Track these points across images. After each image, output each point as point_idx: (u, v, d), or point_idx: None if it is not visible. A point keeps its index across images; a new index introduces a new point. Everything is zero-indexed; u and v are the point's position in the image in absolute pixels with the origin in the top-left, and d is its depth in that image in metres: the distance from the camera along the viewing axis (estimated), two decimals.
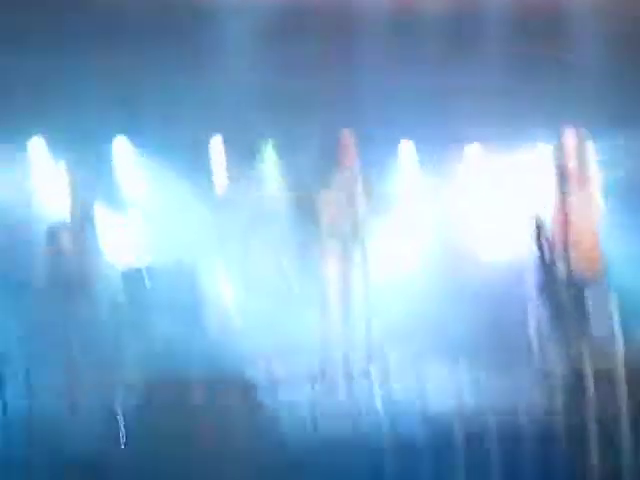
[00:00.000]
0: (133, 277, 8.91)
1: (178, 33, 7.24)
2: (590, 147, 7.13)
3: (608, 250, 6.89)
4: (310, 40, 7.46)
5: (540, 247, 6.82)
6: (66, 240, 8.38)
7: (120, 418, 4.65)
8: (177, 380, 4.82)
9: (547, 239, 6.77)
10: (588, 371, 4.73)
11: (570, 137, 6.83)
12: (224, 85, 8.53)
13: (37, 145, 9.44)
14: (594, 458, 4.61)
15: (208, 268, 9.29)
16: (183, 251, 9.19)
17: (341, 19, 7.30)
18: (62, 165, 8.69)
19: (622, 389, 4.68)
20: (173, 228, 9.52)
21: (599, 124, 8.71)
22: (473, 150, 10.67)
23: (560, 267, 6.53)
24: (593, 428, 4.65)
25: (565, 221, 6.50)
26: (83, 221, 8.59)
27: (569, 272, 6.48)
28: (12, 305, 8.15)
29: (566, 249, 6.47)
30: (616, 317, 8.63)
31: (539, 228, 6.76)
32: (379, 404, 6.48)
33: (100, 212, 8.84)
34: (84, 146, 9.21)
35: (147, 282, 8.81)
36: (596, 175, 6.80)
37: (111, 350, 8.69)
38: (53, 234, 8.39)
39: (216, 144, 9.99)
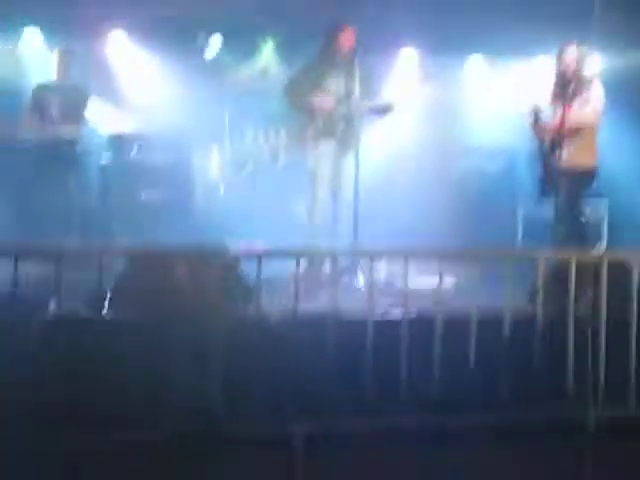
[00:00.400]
0: (120, 143, 8.92)
1: None
2: (590, 58, 7.10)
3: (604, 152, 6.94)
4: None
5: (537, 134, 6.83)
6: (54, 107, 8.35)
7: (103, 287, 4.66)
8: (160, 251, 4.80)
9: (545, 127, 6.76)
10: (572, 265, 4.70)
11: (571, 47, 6.79)
12: None
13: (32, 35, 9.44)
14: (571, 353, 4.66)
15: (199, 144, 9.38)
16: (174, 126, 9.24)
17: None
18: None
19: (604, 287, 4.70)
20: (165, 106, 9.55)
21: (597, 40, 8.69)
22: (475, 59, 10.64)
23: (556, 156, 6.54)
24: (572, 323, 4.68)
25: (563, 114, 6.49)
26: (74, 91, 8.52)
27: (564, 161, 6.48)
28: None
29: (562, 139, 6.47)
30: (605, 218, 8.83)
31: (537, 116, 6.74)
32: (362, 281, 6.57)
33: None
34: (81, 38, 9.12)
35: (134, 150, 8.79)
36: (596, 82, 6.77)
37: (95, 217, 8.86)
38: (41, 100, 8.36)
39: (215, 42, 9.93)
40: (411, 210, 9.33)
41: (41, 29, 9.41)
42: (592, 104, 6.73)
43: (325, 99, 7.13)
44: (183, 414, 4.17)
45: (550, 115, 6.90)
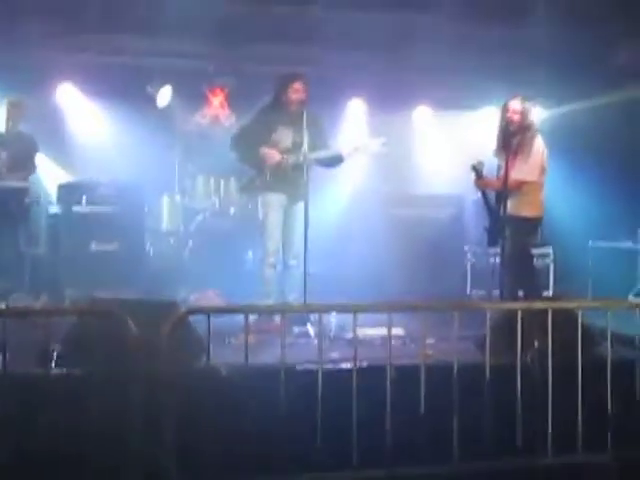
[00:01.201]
0: (69, 193, 8.87)
1: None
2: (533, 111, 7.26)
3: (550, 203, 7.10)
4: None
5: (481, 188, 6.93)
6: (2, 158, 8.31)
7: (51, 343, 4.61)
8: (108, 307, 4.78)
9: (487, 181, 6.87)
10: (518, 315, 4.78)
11: (515, 100, 6.94)
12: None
13: None
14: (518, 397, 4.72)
15: (149, 193, 9.37)
16: (125, 176, 9.24)
17: None
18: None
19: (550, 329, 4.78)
20: (116, 155, 9.56)
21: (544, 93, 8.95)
22: (422, 111, 10.87)
23: (501, 207, 6.63)
24: (519, 369, 4.74)
25: (506, 167, 6.59)
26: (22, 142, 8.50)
27: (509, 212, 6.57)
28: None
29: (506, 192, 6.56)
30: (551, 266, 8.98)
31: (479, 172, 6.85)
32: (312, 332, 6.59)
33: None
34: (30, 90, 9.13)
35: (83, 199, 8.75)
36: (538, 137, 6.91)
37: (44, 267, 8.78)
38: None
39: (166, 93, 10.01)
40: (361, 258, 9.41)
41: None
42: (535, 159, 6.86)
43: (273, 151, 7.19)
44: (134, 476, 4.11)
45: (494, 167, 7.02)
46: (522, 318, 4.79)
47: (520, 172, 6.78)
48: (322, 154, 7.20)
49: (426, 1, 7.55)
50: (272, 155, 7.17)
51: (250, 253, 8.95)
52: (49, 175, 9.66)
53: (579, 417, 4.80)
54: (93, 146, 9.85)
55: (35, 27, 8.63)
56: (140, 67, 9.72)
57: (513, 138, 6.87)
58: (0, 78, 9.17)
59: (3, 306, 6.96)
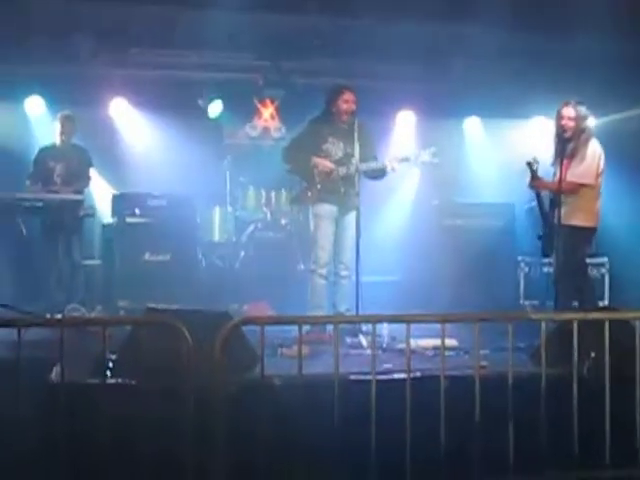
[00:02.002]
0: (122, 204, 9.00)
1: None
2: (587, 117, 7.17)
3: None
4: None
5: (535, 189, 6.86)
6: (57, 171, 8.48)
7: (107, 353, 4.66)
8: (163, 319, 4.82)
9: (543, 182, 6.79)
10: (575, 326, 4.71)
11: (568, 107, 6.86)
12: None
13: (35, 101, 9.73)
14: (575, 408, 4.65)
15: (201, 205, 9.46)
16: (177, 187, 9.34)
17: None
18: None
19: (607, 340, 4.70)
20: (168, 167, 9.67)
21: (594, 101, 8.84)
22: (472, 121, 10.83)
23: (555, 214, 6.55)
24: (575, 380, 4.67)
25: (561, 172, 6.53)
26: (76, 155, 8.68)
27: (563, 220, 6.49)
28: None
29: (561, 198, 6.49)
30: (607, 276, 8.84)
31: (534, 170, 6.77)
32: (365, 343, 6.57)
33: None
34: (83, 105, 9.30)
35: (136, 211, 8.86)
36: (593, 142, 6.83)
37: (98, 278, 8.91)
38: (44, 164, 8.52)
39: (216, 105, 10.12)
40: (413, 268, 9.38)
41: (44, 97, 9.60)
42: (589, 162, 6.78)
43: (324, 162, 7.21)
44: None
45: (550, 173, 6.94)
46: (578, 329, 4.71)
47: (575, 174, 6.70)
48: (372, 165, 7.20)
49: (475, 11, 7.49)
50: (325, 165, 7.19)
51: (301, 264, 8.97)
52: (103, 187, 9.79)
53: (637, 429, 4.71)
54: (146, 158, 9.98)
55: (87, 43, 8.79)
56: (191, 80, 9.85)
57: (568, 144, 6.80)
58: (54, 93, 9.40)
59: (59, 316, 7.07)
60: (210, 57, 9.43)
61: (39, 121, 9.63)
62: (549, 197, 6.87)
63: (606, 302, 8.64)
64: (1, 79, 8.90)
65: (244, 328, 4.77)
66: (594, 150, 6.82)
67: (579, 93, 7.41)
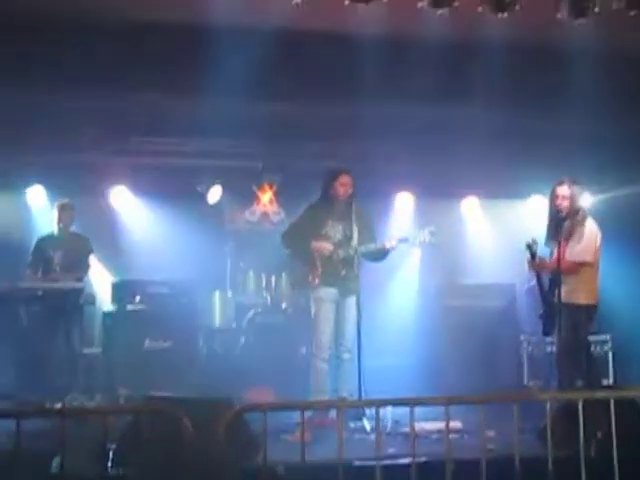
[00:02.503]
0: (122, 291, 9.00)
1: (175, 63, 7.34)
2: (582, 195, 7.23)
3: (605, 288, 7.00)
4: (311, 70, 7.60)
5: (534, 270, 6.88)
6: (57, 259, 8.50)
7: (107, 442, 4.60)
8: (164, 406, 4.78)
9: (542, 263, 6.81)
10: (580, 405, 4.66)
11: (563, 186, 6.92)
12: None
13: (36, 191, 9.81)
14: None
15: (202, 290, 9.44)
16: (177, 273, 9.34)
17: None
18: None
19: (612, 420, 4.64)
20: (168, 253, 9.68)
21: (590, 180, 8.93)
22: (470, 201, 10.91)
23: (555, 293, 6.55)
24: (582, 461, 4.60)
25: (559, 252, 6.55)
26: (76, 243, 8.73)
27: (564, 298, 6.49)
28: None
29: (560, 277, 6.50)
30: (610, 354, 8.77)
31: (533, 251, 6.79)
32: (368, 426, 6.48)
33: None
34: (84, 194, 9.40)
35: (136, 297, 8.85)
36: (589, 220, 6.87)
37: (98, 365, 8.83)
38: (44, 252, 8.55)
39: (216, 191, 10.21)
40: (415, 350, 9.33)
41: (45, 187, 9.70)
42: (587, 241, 6.81)
43: (323, 243, 7.24)
44: None
45: (547, 252, 6.96)
46: (583, 408, 4.66)
47: (574, 254, 6.72)
48: (372, 247, 7.22)
49: (471, 92, 7.64)
50: (324, 247, 7.22)
51: (303, 348, 8.92)
52: (103, 274, 9.81)
53: None
54: (146, 245, 10.02)
55: (88, 132, 8.92)
56: (190, 167, 9.96)
57: (564, 223, 6.83)
58: (55, 182, 9.51)
59: (59, 406, 7.01)
60: (209, 144, 9.55)
61: (40, 211, 9.71)
62: (549, 276, 6.87)
63: (611, 380, 8.55)
64: (3, 169, 9.00)
65: (246, 414, 4.72)
66: (591, 229, 6.87)
67: (576, 172, 7.50)
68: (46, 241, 8.67)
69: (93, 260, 8.97)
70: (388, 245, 7.19)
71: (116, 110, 8.63)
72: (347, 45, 7.21)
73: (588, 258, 6.79)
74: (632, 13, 6.12)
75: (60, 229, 8.68)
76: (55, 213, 8.71)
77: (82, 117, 8.70)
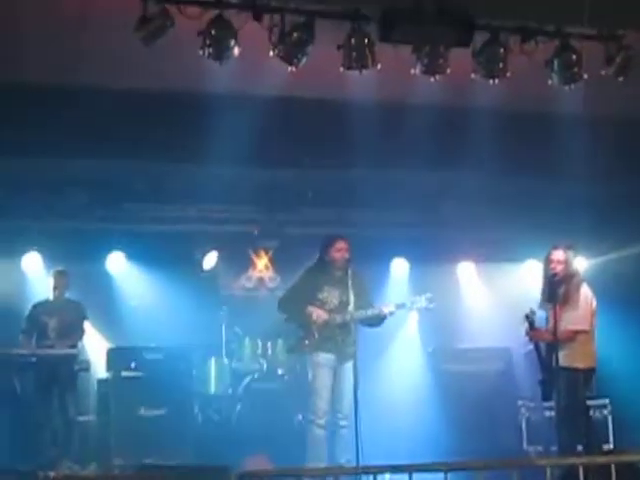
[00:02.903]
0: (117, 357, 8.92)
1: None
2: (576, 257, 7.25)
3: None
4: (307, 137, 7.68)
5: (533, 339, 6.86)
6: (51, 326, 8.47)
7: None
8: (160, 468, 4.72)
9: (540, 332, 6.80)
10: (580, 470, 4.61)
11: (558, 251, 6.95)
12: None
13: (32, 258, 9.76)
14: None
15: (197, 357, 9.37)
16: (173, 340, 9.27)
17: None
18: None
19: None
20: (164, 319, 9.63)
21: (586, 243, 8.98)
22: (465, 266, 10.92)
23: (553, 359, 6.51)
24: None
25: (555, 318, 6.53)
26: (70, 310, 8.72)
27: (562, 364, 6.46)
28: None
29: (557, 343, 6.48)
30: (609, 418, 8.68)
31: (531, 321, 6.79)
32: None
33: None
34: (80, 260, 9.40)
35: (132, 364, 8.78)
36: (584, 287, 6.88)
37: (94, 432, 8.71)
38: (38, 319, 8.53)
39: (211, 257, 10.21)
40: (413, 416, 9.22)
41: (41, 254, 9.70)
42: (583, 308, 6.81)
43: (320, 311, 7.23)
44: None
45: (543, 318, 6.95)
46: (584, 474, 4.60)
47: (570, 322, 6.72)
48: (369, 312, 7.21)
49: (464, 157, 7.72)
50: (320, 314, 7.21)
51: (299, 415, 8.82)
52: (99, 341, 9.75)
53: None
54: (141, 311, 9.97)
55: (82, 198, 8.97)
56: (186, 233, 9.97)
57: (559, 288, 6.83)
58: (51, 249, 9.51)
59: (52, 475, 6.90)
60: (205, 210, 9.60)
61: (36, 278, 9.68)
62: (545, 343, 6.87)
63: (611, 445, 8.45)
64: None
65: None
66: (586, 295, 6.88)
67: (570, 235, 7.55)
68: (40, 308, 8.67)
69: (88, 326, 8.94)
70: (386, 310, 7.19)
71: (112, 177, 8.70)
72: (342, 111, 7.32)
73: (585, 326, 6.80)
74: (620, 79, 6.22)
75: (55, 296, 8.69)
76: (51, 280, 8.72)
77: (78, 185, 8.77)
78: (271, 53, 5.82)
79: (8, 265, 9.71)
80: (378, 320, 7.30)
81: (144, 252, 9.91)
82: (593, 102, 6.91)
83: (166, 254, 9.82)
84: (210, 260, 10.21)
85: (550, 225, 9.08)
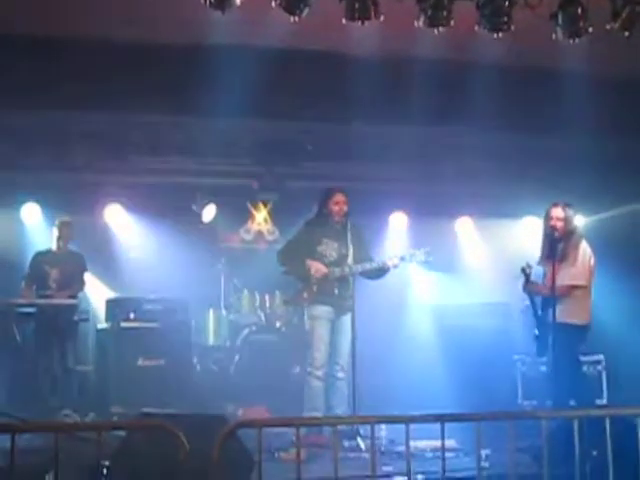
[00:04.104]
0: (116, 308, 8.98)
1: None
2: (576, 217, 7.25)
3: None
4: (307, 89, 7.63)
5: (529, 293, 6.89)
6: (52, 276, 8.51)
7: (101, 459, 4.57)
8: (158, 423, 4.75)
9: (536, 286, 6.83)
10: (575, 424, 4.65)
11: (557, 208, 6.94)
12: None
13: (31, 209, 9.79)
14: None
15: (195, 308, 9.43)
16: (171, 291, 9.32)
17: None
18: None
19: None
20: (162, 271, 9.66)
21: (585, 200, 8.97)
22: (464, 221, 10.93)
23: (549, 314, 6.55)
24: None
25: (553, 274, 6.56)
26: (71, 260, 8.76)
27: (557, 319, 6.49)
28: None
29: (554, 298, 6.51)
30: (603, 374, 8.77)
31: (527, 275, 6.82)
32: (363, 445, 6.45)
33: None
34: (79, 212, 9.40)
35: (130, 315, 8.83)
36: (583, 243, 6.89)
37: (92, 382, 8.80)
38: (39, 270, 8.58)
39: (210, 210, 10.21)
40: (409, 369, 9.30)
41: (40, 205, 9.70)
42: (582, 264, 6.83)
43: (319, 264, 7.24)
44: None
45: (540, 274, 6.98)
46: (578, 427, 4.65)
47: (567, 277, 6.74)
48: (367, 266, 7.23)
49: (465, 112, 7.67)
50: (318, 268, 7.22)
51: (297, 366, 8.90)
52: (97, 292, 9.79)
53: None
54: (140, 263, 10.00)
55: (83, 150, 8.93)
56: (185, 186, 9.97)
57: (558, 245, 6.84)
58: (50, 200, 9.50)
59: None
60: (204, 163, 9.56)
61: (35, 228, 9.70)
62: (541, 297, 6.90)
63: (604, 401, 8.53)
64: None
65: (240, 432, 4.69)
66: (585, 252, 6.89)
67: (568, 192, 7.54)
68: (43, 257, 8.68)
69: (88, 276, 8.96)
70: (390, 263, 7.19)
71: (112, 130, 8.66)
72: (343, 65, 7.26)
73: (582, 281, 6.82)
74: (626, 34, 6.15)
75: (59, 246, 8.69)
76: (55, 230, 8.72)
77: (77, 137, 8.73)
78: (273, 3, 5.76)
79: (7, 215, 9.73)
80: (379, 273, 7.31)
81: (143, 204, 9.93)
82: (596, 59, 6.85)
83: (165, 206, 9.83)
84: (209, 213, 10.22)
85: (549, 182, 9.07)
